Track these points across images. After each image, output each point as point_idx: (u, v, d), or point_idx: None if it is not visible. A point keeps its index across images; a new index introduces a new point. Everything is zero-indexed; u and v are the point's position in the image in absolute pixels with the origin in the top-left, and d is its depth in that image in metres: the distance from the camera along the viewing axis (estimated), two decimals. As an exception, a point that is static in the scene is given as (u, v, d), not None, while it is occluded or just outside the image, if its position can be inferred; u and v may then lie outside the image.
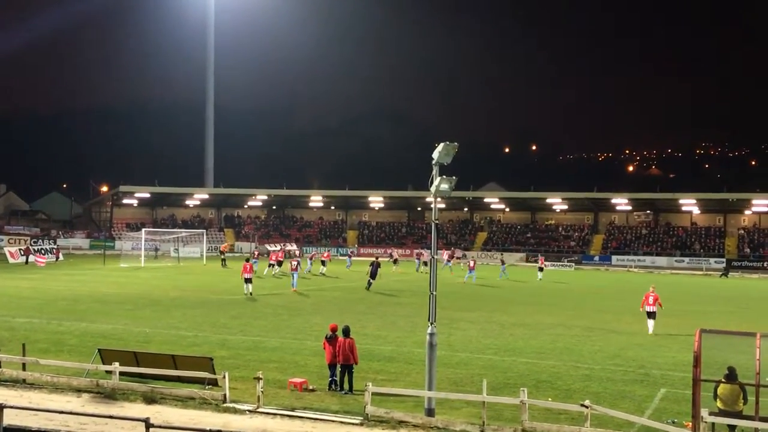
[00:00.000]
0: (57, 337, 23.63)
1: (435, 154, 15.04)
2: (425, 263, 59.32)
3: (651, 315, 27.55)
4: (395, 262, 62.18)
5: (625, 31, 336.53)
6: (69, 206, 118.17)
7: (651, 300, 27.66)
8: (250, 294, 37.40)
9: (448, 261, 62.12)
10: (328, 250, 68.13)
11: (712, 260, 76.37)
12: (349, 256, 65.62)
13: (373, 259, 47.01)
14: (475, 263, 52.39)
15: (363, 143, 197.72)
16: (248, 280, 37.90)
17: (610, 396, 17.32)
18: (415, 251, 73.54)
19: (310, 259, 56.73)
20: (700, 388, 13.09)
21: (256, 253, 60.25)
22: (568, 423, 14.44)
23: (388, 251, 74.55)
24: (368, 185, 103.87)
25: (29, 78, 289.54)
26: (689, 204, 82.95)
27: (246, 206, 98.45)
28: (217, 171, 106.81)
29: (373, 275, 42.93)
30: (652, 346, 24.64)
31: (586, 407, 13.92)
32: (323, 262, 54.61)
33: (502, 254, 72.54)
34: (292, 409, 15.43)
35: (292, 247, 75.04)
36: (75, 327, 25.71)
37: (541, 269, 55.59)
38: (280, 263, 52.25)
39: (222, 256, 61.19)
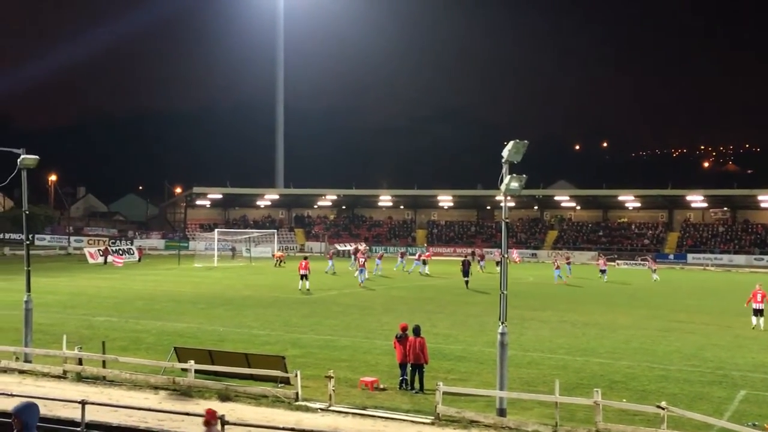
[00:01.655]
0: (135, 335, 24.26)
1: (505, 152, 14.86)
2: (497, 263, 58.70)
3: (758, 312, 27.55)
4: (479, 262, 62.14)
5: (699, 27, 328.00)
6: (145, 207, 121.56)
7: (759, 297, 27.63)
8: (307, 290, 38.57)
9: (481, 261, 61.75)
10: (429, 251, 67.26)
11: (793, 258, 73.82)
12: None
13: (464, 257, 47.40)
14: (559, 263, 51.28)
15: (431, 142, 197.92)
16: (304, 277, 39.11)
17: (687, 397, 16.88)
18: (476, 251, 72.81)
19: (403, 257, 58.07)
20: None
21: (332, 252, 60.44)
22: (643, 425, 14.11)
23: (474, 251, 73.21)
24: (436, 184, 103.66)
25: (106, 84, 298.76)
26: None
27: (316, 206, 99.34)
28: (287, 171, 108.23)
29: (465, 273, 43.82)
30: (731, 346, 23.93)
31: (663, 409, 13.61)
32: (425, 262, 54.99)
33: (601, 255, 70.81)
34: (364, 408, 15.51)
35: (362, 246, 75.40)
36: (152, 326, 26.36)
37: (653, 270, 54.01)
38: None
39: (280, 261, 60.96)
